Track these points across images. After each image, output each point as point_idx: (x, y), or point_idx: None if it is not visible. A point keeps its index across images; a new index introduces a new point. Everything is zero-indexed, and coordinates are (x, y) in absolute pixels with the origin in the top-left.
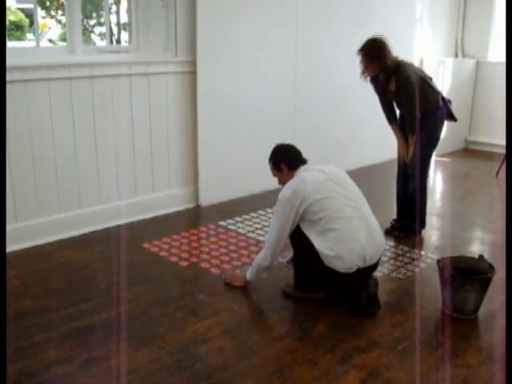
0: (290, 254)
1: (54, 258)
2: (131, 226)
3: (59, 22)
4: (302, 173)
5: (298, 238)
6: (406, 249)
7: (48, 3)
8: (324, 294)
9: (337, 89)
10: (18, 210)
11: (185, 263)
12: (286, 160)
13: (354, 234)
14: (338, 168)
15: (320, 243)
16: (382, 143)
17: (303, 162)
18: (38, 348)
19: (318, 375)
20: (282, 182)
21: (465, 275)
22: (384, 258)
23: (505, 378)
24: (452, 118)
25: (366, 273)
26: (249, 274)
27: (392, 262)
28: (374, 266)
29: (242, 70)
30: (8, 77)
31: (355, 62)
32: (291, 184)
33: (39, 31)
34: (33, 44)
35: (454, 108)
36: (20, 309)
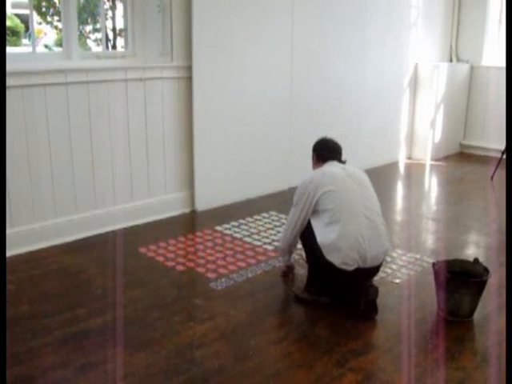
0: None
1: (49, 263)
2: (127, 231)
3: (55, 27)
4: (326, 166)
5: (306, 236)
6: (402, 252)
7: (44, 9)
8: (330, 297)
9: (332, 94)
10: (14, 215)
11: (181, 268)
12: (317, 151)
13: (357, 229)
14: (362, 171)
15: (323, 234)
16: (378, 148)
17: (333, 158)
18: (34, 353)
19: (314, 378)
20: (313, 168)
21: (460, 278)
22: None
23: (505, 378)
24: None
25: (366, 275)
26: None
27: (388, 265)
28: (375, 270)
29: (238, 75)
30: None
31: (350, 67)
32: (312, 174)
33: (35, 37)
34: (29, 50)
35: (449, 112)
36: (16, 314)
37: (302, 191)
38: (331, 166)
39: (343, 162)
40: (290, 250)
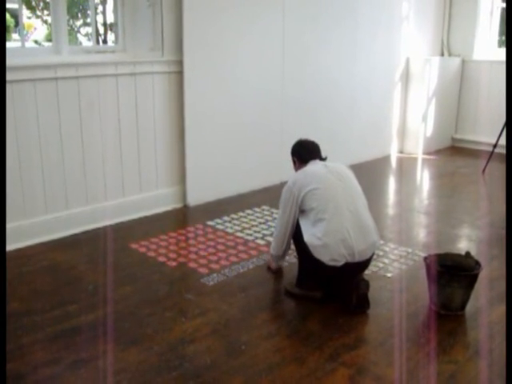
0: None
1: (40, 260)
2: (118, 227)
3: (45, 22)
4: (308, 166)
5: (295, 235)
6: (394, 246)
7: (34, 3)
8: (322, 292)
9: (323, 88)
10: None
11: (173, 263)
12: (297, 154)
13: (342, 224)
14: (343, 165)
15: (309, 234)
16: (369, 142)
17: (314, 157)
18: (25, 350)
19: (306, 373)
20: (295, 172)
21: (451, 272)
22: None
23: (500, 372)
24: None
25: (355, 269)
26: (271, 261)
27: (380, 259)
28: (364, 264)
29: (229, 70)
30: None
31: (341, 61)
32: (294, 176)
33: (25, 32)
34: (18, 44)
35: (441, 106)
36: (7, 311)
37: (288, 195)
38: (312, 165)
39: (324, 159)
40: (284, 254)
